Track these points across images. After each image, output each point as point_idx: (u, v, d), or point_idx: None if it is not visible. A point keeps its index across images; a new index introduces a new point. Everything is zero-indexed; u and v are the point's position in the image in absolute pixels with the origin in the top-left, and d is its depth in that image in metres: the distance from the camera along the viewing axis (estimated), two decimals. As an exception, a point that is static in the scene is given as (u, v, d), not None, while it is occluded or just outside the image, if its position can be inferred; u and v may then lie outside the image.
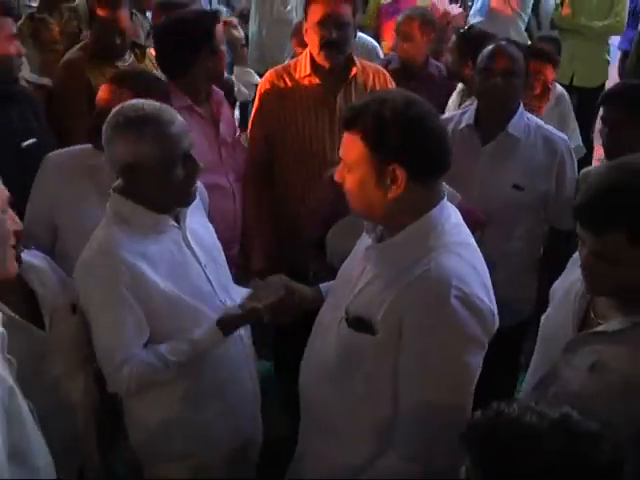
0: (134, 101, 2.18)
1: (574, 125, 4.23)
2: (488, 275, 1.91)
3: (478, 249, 1.93)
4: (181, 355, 2.18)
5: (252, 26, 6.01)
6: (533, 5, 6.10)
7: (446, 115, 3.26)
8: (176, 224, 2.23)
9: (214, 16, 3.22)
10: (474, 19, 5.63)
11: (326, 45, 3.14)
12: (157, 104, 2.17)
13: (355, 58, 3.27)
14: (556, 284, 2.08)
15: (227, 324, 2.21)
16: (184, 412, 2.28)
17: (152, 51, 3.80)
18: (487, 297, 1.84)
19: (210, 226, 2.42)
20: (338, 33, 3.12)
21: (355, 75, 3.24)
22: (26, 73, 3.47)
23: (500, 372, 2.54)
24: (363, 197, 1.85)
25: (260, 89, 3.32)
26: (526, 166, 2.92)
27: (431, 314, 1.78)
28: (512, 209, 2.88)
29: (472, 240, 1.93)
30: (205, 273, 2.28)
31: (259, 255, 3.18)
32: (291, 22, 5.61)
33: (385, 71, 3.40)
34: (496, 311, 1.88)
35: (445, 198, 1.90)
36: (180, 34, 3.08)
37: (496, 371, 2.12)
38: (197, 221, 2.32)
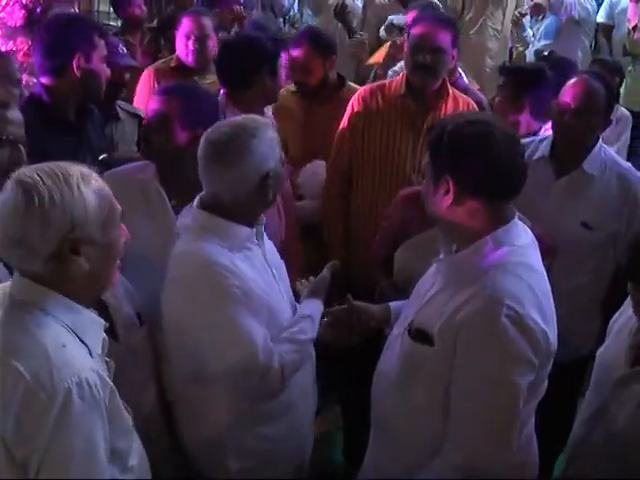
0: (229, 120, 2.27)
1: (624, 144, 4.15)
2: (551, 300, 1.94)
3: (544, 273, 1.96)
4: (308, 332, 2.26)
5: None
6: (606, 31, 6.05)
7: (525, 140, 3.15)
8: (256, 241, 2.27)
9: (283, 41, 3.44)
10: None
11: (418, 68, 3.25)
12: (249, 118, 2.26)
13: (449, 87, 3.37)
14: (614, 319, 2.10)
15: (316, 292, 2.34)
16: (253, 427, 2.29)
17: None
18: (542, 319, 1.86)
19: (272, 244, 2.46)
20: (431, 57, 3.21)
21: (445, 103, 3.32)
22: (122, 102, 3.59)
23: (560, 405, 2.53)
24: (427, 200, 1.98)
25: (352, 103, 3.44)
26: (597, 205, 2.89)
27: (482, 331, 1.83)
28: (579, 246, 2.86)
29: (537, 263, 1.96)
30: (280, 290, 2.32)
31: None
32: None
33: (475, 104, 3.46)
34: (553, 335, 1.91)
35: (515, 219, 1.95)
36: (249, 49, 3.20)
37: (556, 404, 2.13)
38: (266, 240, 2.36)
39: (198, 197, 2.26)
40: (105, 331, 2.11)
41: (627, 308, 2.05)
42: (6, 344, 1.63)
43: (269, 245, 2.37)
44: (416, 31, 3.27)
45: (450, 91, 3.37)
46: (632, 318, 1.94)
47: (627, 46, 5.66)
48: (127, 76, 3.61)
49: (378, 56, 4.89)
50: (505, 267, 1.87)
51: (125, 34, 4.98)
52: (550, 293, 1.95)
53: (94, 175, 1.73)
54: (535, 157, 3.03)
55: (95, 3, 5.74)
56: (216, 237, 2.18)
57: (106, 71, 2.96)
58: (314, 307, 2.35)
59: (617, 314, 2.10)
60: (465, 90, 3.72)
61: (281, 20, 6.24)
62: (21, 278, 1.69)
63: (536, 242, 2.01)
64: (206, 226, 2.20)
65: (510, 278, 1.85)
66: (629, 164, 3.09)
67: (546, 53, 4.44)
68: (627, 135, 4.13)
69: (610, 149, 3.08)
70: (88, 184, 1.68)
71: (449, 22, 3.37)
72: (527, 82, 3.32)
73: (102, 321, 1.78)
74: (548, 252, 2.74)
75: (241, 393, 2.23)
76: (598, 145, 2.96)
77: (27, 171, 1.65)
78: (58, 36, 2.85)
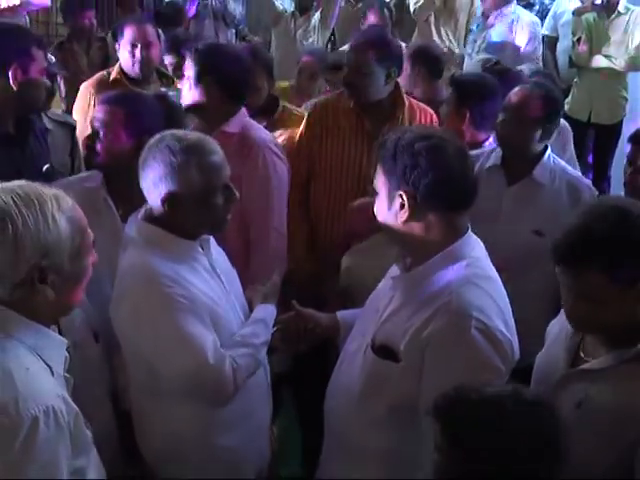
0: (176, 131, 2.23)
1: (571, 155, 4.23)
2: (509, 308, 1.98)
3: (500, 282, 2.00)
4: (261, 335, 2.26)
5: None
6: (550, 43, 6.16)
7: (474, 152, 3.27)
8: (201, 250, 2.26)
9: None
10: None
11: (345, 86, 3.36)
12: (200, 134, 2.24)
13: (404, 97, 3.43)
14: (552, 323, 2.14)
15: (268, 297, 2.35)
16: (211, 436, 2.27)
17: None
18: (507, 329, 1.91)
19: (223, 253, 2.46)
20: (356, 77, 3.30)
21: (402, 112, 3.39)
22: (50, 112, 3.53)
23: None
24: (382, 219, 1.98)
25: (307, 115, 3.51)
26: (548, 212, 2.95)
27: (451, 345, 1.85)
28: (532, 254, 2.90)
29: (494, 274, 2.00)
30: (230, 298, 2.32)
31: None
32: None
33: (433, 112, 3.52)
34: (516, 343, 1.95)
35: (469, 232, 1.99)
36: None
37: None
38: (214, 248, 2.36)
39: (144, 208, 2.25)
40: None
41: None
42: None
43: (217, 253, 2.37)
44: (348, 49, 3.43)
45: (406, 101, 3.44)
46: (567, 322, 1.97)
47: (573, 58, 5.78)
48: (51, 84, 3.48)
49: None
50: (467, 280, 1.90)
51: (72, 42, 4.93)
52: (508, 301, 1.99)
53: (67, 199, 1.70)
54: (487, 165, 3.10)
55: (54, 14, 5.67)
56: (159, 249, 2.17)
57: (45, 82, 2.91)
58: (267, 311, 2.36)
59: (556, 319, 2.13)
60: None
61: (233, 31, 6.24)
62: None
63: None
64: (150, 238, 2.19)
65: (474, 291, 1.89)
66: (578, 172, 3.18)
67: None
68: (571, 146, 4.22)
69: (559, 159, 3.14)
70: (62, 211, 1.66)
71: (380, 42, 3.38)
72: (469, 93, 3.40)
73: (64, 340, 1.76)
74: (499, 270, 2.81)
75: (197, 402, 2.21)
76: (547, 154, 3.04)
77: (1, 193, 1.61)
78: None
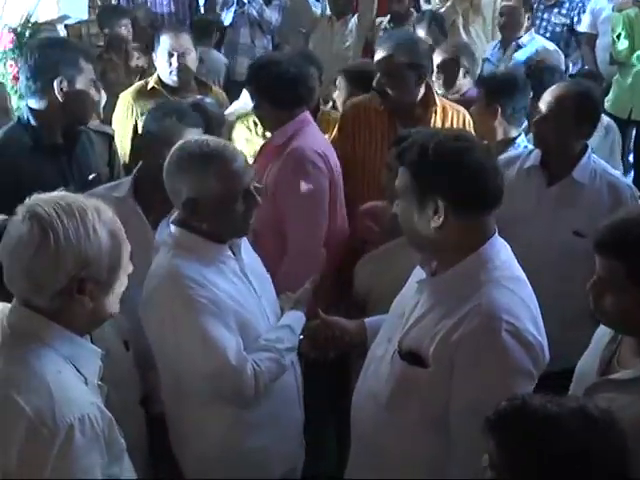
0: (197, 137, 2.27)
1: (616, 156, 4.19)
2: (538, 309, 1.96)
3: (528, 284, 1.97)
4: (285, 340, 2.28)
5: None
6: (590, 40, 6.08)
7: (513, 153, 3.27)
8: (232, 255, 2.30)
9: None
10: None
11: (376, 91, 3.35)
12: (221, 141, 2.26)
13: (436, 98, 3.42)
14: (600, 328, 2.09)
15: (298, 303, 2.37)
16: (240, 438, 2.30)
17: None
18: (537, 331, 1.89)
19: (258, 258, 2.49)
20: (387, 83, 3.29)
21: (434, 113, 3.38)
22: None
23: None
24: (409, 226, 1.94)
25: (341, 116, 3.54)
26: (589, 213, 2.90)
27: (482, 348, 1.83)
28: (572, 254, 2.85)
29: (522, 274, 1.98)
30: (260, 303, 2.35)
31: None
32: (348, 59, 5.71)
33: (466, 112, 3.50)
34: (546, 345, 1.93)
35: (496, 234, 1.96)
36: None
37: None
38: (248, 253, 2.39)
39: (175, 212, 2.30)
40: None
41: None
42: (6, 376, 1.64)
43: (250, 257, 2.39)
44: (376, 54, 3.40)
45: (438, 102, 3.41)
46: (607, 329, 1.96)
47: (613, 54, 5.69)
48: None
49: None
50: (497, 282, 1.88)
51: (109, 52, 5.01)
52: (537, 303, 1.97)
53: (108, 211, 1.74)
54: (526, 166, 3.06)
55: (87, 26, 5.78)
56: (187, 252, 2.21)
57: (94, 95, 2.97)
58: (294, 317, 2.39)
59: (601, 326, 2.09)
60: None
61: (269, 37, 6.27)
62: (21, 308, 1.69)
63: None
64: (178, 241, 2.24)
65: (504, 293, 1.87)
66: (619, 172, 3.13)
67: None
68: (617, 146, 4.18)
69: (599, 159, 3.10)
70: (103, 223, 1.69)
71: (405, 45, 3.36)
72: (499, 89, 3.37)
73: (99, 350, 1.79)
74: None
75: (222, 404, 2.25)
76: (587, 154, 2.99)
77: (44, 204, 1.64)
78: (41, 59, 2.87)
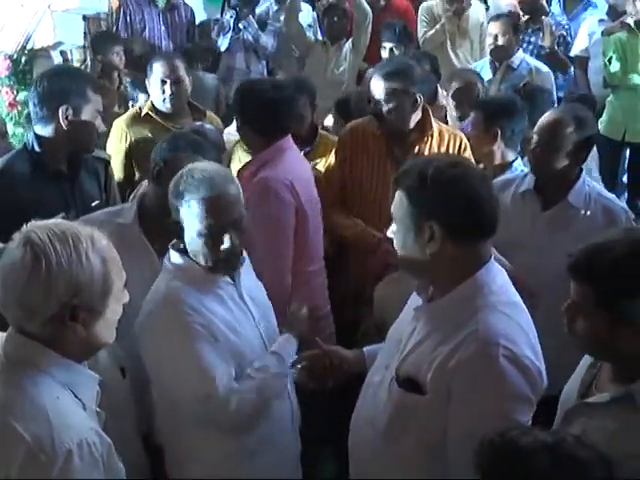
0: (196, 165, 2.29)
1: (596, 174, 4.18)
2: (535, 334, 1.95)
3: (525, 309, 1.97)
4: (271, 368, 2.28)
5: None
6: (582, 63, 6.12)
7: (508, 176, 3.28)
8: (231, 281, 2.31)
9: None
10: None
11: (375, 116, 3.35)
12: (219, 169, 2.29)
13: (433, 122, 3.42)
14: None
15: (289, 327, 2.36)
16: (236, 464, 2.30)
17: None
18: (535, 356, 1.89)
19: (261, 284, 2.50)
20: (383, 106, 3.28)
21: (430, 137, 3.38)
22: None
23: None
24: (406, 252, 1.95)
25: (338, 139, 3.55)
26: (584, 237, 2.82)
27: (480, 374, 1.82)
28: (567, 279, 2.84)
29: (519, 299, 1.98)
30: (258, 329, 2.35)
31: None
32: (342, 84, 5.74)
33: (463, 136, 3.51)
34: (544, 370, 1.92)
35: (492, 259, 1.96)
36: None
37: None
38: (249, 279, 2.41)
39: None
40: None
41: None
42: (4, 403, 1.63)
43: (250, 283, 2.39)
44: (369, 81, 3.41)
45: (435, 126, 3.42)
46: None
47: (606, 78, 5.72)
48: None
49: None
50: (494, 307, 1.88)
51: (102, 78, 5.05)
52: (534, 327, 1.97)
53: (102, 239, 1.74)
54: (521, 190, 3.07)
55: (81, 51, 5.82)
56: (186, 277, 2.24)
57: (99, 125, 2.99)
58: (284, 344, 2.39)
59: None
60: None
61: (264, 63, 6.31)
62: (16, 335, 1.69)
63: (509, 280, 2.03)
64: (177, 267, 2.27)
65: (500, 318, 1.86)
66: (613, 195, 3.13)
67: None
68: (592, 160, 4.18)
69: (593, 182, 3.12)
70: (96, 250, 1.69)
71: (399, 69, 3.36)
72: (498, 112, 3.39)
73: (96, 376, 1.79)
74: (531, 296, 2.76)
75: (215, 429, 2.25)
76: (582, 178, 3.00)
77: (39, 230, 1.65)
78: (49, 86, 2.90)
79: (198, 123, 3.76)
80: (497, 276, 1.96)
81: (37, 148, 2.94)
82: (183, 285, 2.22)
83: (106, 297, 1.71)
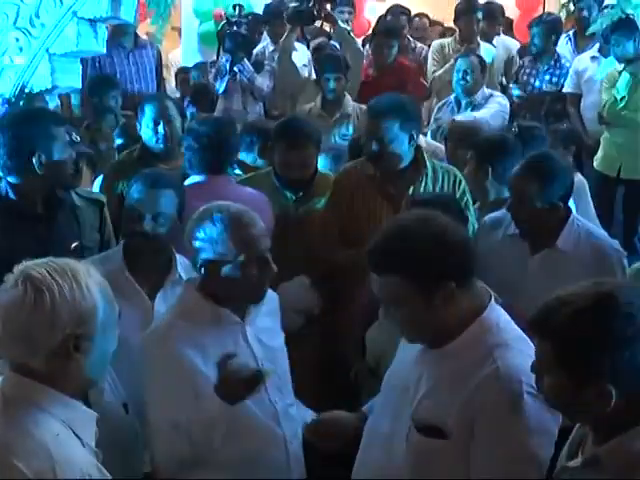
0: (222, 203, 2.34)
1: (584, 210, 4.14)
2: None
3: (531, 343, 1.93)
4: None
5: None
6: (574, 101, 6.15)
7: (498, 214, 3.26)
8: (239, 319, 2.31)
9: None
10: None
11: (370, 157, 3.34)
12: (242, 207, 2.32)
13: (426, 159, 3.42)
14: None
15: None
16: None
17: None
18: None
19: (281, 333, 2.50)
20: (379, 146, 3.28)
21: (425, 176, 3.39)
22: (80, 189, 3.63)
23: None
24: (419, 325, 1.94)
25: (334, 181, 3.56)
26: (574, 280, 2.81)
27: (506, 412, 1.81)
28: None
29: (524, 334, 1.96)
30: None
31: None
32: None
33: (457, 171, 3.53)
34: None
35: (493, 298, 1.98)
36: None
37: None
38: (267, 322, 2.41)
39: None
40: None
41: None
42: (5, 443, 1.62)
43: (265, 325, 2.39)
44: (365, 121, 3.44)
45: (428, 164, 3.41)
46: None
47: (604, 115, 5.71)
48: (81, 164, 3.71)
49: None
50: (507, 344, 1.88)
51: (98, 122, 5.09)
52: None
53: (97, 273, 1.77)
54: (509, 233, 3.07)
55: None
56: (187, 312, 2.27)
57: (71, 154, 3.03)
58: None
59: None
60: None
61: (261, 104, 6.36)
62: (14, 375, 1.69)
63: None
64: (183, 300, 2.33)
65: (516, 355, 1.86)
66: (605, 234, 3.11)
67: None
68: (584, 200, 4.16)
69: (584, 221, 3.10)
70: (95, 282, 1.72)
71: (397, 108, 3.37)
72: (489, 149, 3.42)
73: (94, 413, 1.80)
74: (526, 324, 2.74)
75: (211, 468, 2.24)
76: (570, 220, 2.97)
77: (36, 267, 1.67)
78: (16, 136, 2.89)
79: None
80: (501, 314, 1.97)
81: (12, 196, 2.94)
82: (183, 323, 2.27)
83: (106, 326, 1.73)
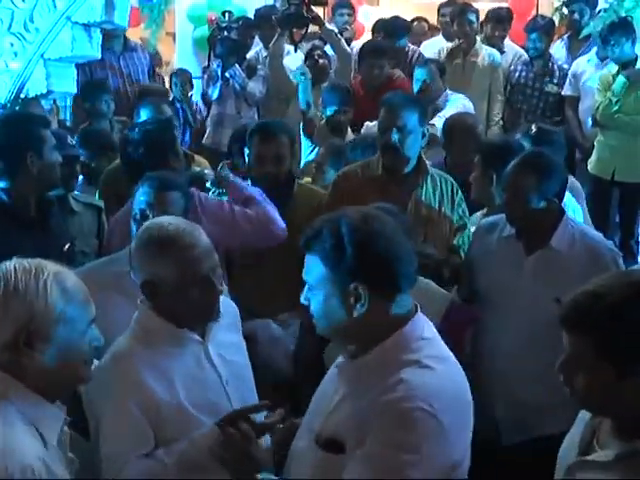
0: (162, 218, 2.29)
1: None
2: (467, 389, 1.86)
3: (457, 363, 1.88)
4: (178, 454, 2.12)
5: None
6: (572, 104, 6.17)
7: (493, 219, 3.27)
8: (200, 339, 2.25)
9: None
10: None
11: (387, 148, 3.33)
12: (183, 225, 2.24)
13: (427, 165, 3.46)
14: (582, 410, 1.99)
15: (226, 422, 2.09)
16: None
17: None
18: (459, 414, 1.79)
19: (243, 344, 2.44)
20: (398, 137, 3.28)
21: (425, 181, 3.40)
22: (77, 194, 3.63)
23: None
24: (328, 317, 1.85)
25: (332, 185, 3.53)
26: (569, 280, 2.78)
27: (391, 425, 1.72)
28: (555, 322, 2.81)
29: (450, 354, 1.88)
30: (224, 388, 2.27)
31: None
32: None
33: (453, 180, 3.55)
34: (468, 428, 1.82)
35: (418, 313, 1.88)
36: None
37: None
38: (229, 337, 2.35)
39: None
40: (76, 429, 2.10)
41: None
42: None
43: (227, 341, 2.33)
44: (383, 111, 3.37)
45: (429, 170, 3.45)
46: None
47: (597, 117, 5.72)
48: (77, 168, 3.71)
49: None
50: (420, 362, 1.79)
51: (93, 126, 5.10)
52: (466, 381, 1.87)
53: (71, 276, 1.78)
54: (504, 234, 3.06)
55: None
56: (145, 333, 2.22)
57: (58, 158, 3.03)
58: (210, 434, 2.12)
59: None
60: None
61: (255, 109, 6.35)
62: None
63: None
64: (139, 321, 2.26)
65: (426, 373, 1.77)
66: (599, 235, 3.11)
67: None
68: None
69: (577, 222, 3.12)
70: (58, 283, 1.73)
71: (414, 101, 3.46)
72: (494, 156, 3.41)
73: (62, 415, 1.79)
74: (471, 321, 2.84)
75: None
76: (564, 220, 2.98)
77: (11, 263, 1.73)
78: (6, 139, 2.93)
79: (197, 168, 3.76)
80: (425, 329, 1.87)
81: (6, 199, 2.96)
82: (139, 345, 2.20)
83: (64, 327, 1.73)
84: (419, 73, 5.39)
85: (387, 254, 1.79)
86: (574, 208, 3.67)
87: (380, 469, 1.72)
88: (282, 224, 3.24)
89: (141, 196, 2.77)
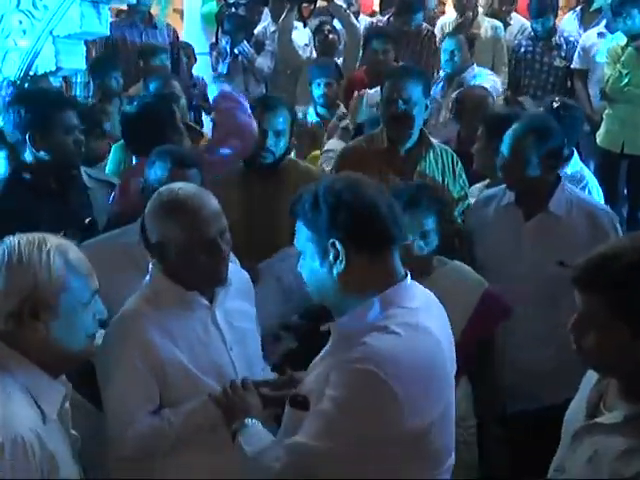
0: (174, 184, 2.31)
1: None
2: (440, 361, 1.84)
3: (433, 335, 1.84)
4: (184, 415, 2.19)
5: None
6: (582, 76, 6.14)
7: (491, 191, 3.31)
8: (208, 303, 2.29)
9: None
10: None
11: (393, 119, 3.35)
12: (193, 189, 2.27)
13: (429, 137, 3.49)
14: (587, 373, 2.00)
15: (220, 399, 2.17)
16: None
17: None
18: (421, 384, 1.76)
19: (252, 312, 2.47)
20: (406, 107, 3.32)
21: (428, 154, 3.43)
22: (90, 170, 3.65)
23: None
24: (316, 281, 1.87)
25: (336, 160, 3.56)
26: (569, 243, 2.91)
27: (338, 383, 1.74)
28: (558, 284, 2.78)
29: (430, 324, 1.84)
30: (229, 354, 2.31)
31: None
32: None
33: (454, 153, 3.58)
34: (433, 399, 1.80)
35: (406, 280, 1.87)
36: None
37: (549, 447, 2.04)
38: (237, 304, 2.38)
39: None
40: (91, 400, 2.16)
41: None
42: None
43: (234, 306, 2.36)
44: (387, 83, 3.39)
45: (432, 141, 3.48)
46: None
47: (607, 90, 5.70)
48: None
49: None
50: (386, 327, 1.77)
51: (103, 103, 5.10)
52: (444, 355, 1.85)
53: (74, 249, 1.82)
54: (503, 203, 3.10)
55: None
56: (154, 295, 2.26)
57: (78, 137, 3.06)
58: (205, 407, 2.21)
59: None
60: None
61: (263, 86, 6.36)
62: None
63: (435, 304, 1.94)
64: (150, 283, 2.30)
65: (388, 338, 1.75)
66: (598, 201, 3.16)
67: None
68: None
69: (574, 188, 3.14)
70: (61, 253, 1.77)
71: (419, 74, 3.48)
72: (499, 127, 3.41)
73: (63, 389, 1.82)
74: (504, 313, 2.77)
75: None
76: (560, 185, 3.01)
77: (17, 236, 1.77)
78: (15, 115, 3.00)
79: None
80: (413, 298, 1.85)
81: (25, 173, 3.04)
82: (148, 306, 2.24)
83: (68, 298, 1.76)
84: (448, 44, 5.38)
85: (361, 209, 1.80)
86: (596, 187, 3.70)
87: (319, 426, 1.74)
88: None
89: (158, 170, 2.73)
